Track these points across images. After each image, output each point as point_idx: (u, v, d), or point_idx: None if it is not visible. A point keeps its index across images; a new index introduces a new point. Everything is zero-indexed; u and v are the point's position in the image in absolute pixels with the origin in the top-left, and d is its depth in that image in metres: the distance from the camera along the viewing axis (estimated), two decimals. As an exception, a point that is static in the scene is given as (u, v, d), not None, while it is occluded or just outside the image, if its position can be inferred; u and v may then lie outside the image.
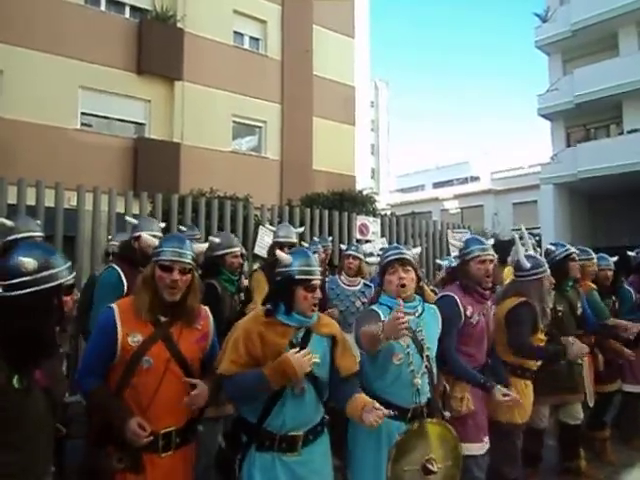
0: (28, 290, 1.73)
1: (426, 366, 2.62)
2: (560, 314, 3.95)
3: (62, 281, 1.83)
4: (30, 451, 1.73)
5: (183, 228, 4.52)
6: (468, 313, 3.07)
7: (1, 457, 1.66)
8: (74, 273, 1.93)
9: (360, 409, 2.20)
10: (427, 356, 2.63)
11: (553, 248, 4.22)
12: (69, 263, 1.90)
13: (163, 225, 4.11)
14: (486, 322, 3.21)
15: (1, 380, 1.64)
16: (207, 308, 2.50)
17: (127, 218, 4.38)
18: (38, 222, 4.12)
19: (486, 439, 3.13)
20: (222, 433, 3.72)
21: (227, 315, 3.70)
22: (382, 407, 2.19)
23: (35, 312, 1.73)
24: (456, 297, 3.09)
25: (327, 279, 4.67)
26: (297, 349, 2.24)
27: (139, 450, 2.13)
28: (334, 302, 4.53)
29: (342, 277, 4.74)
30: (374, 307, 2.73)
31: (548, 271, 3.57)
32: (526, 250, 3.78)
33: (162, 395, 2.19)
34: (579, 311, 4.17)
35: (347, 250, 4.93)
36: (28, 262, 1.75)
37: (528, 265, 3.51)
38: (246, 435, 2.35)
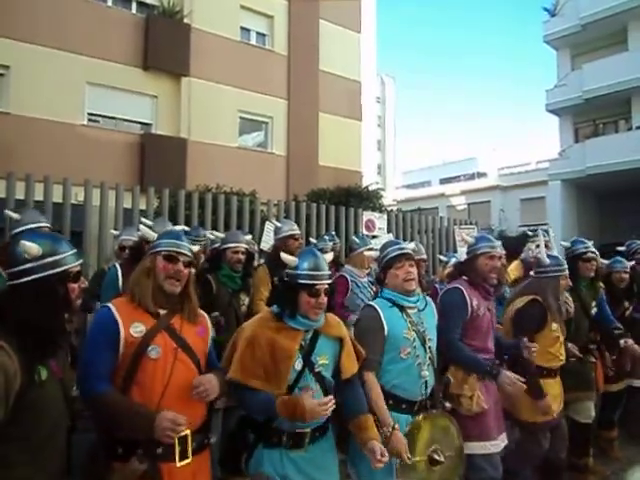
0: (32, 277, 1.66)
1: (429, 357, 2.70)
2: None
3: (67, 267, 1.75)
4: (50, 448, 1.68)
5: (186, 228, 4.48)
6: (474, 305, 3.09)
7: (20, 456, 1.61)
8: (81, 260, 1.84)
9: (364, 441, 2.33)
10: (429, 347, 2.72)
11: (568, 245, 4.27)
12: (75, 250, 1.82)
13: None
14: (490, 318, 3.23)
15: (22, 375, 1.57)
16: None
17: (141, 224, 4.46)
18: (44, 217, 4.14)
19: (502, 437, 3.10)
20: (225, 429, 3.74)
21: (222, 312, 3.71)
22: (386, 455, 2.27)
23: (42, 300, 1.65)
24: (462, 289, 3.13)
25: (344, 272, 4.67)
26: (311, 393, 2.26)
27: (155, 459, 1.96)
28: (356, 292, 4.53)
29: (355, 270, 4.73)
30: (373, 304, 2.77)
31: (567, 272, 3.59)
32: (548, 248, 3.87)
33: (173, 389, 2.01)
34: (593, 310, 4.17)
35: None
36: (31, 247, 1.67)
37: (548, 261, 3.55)
38: (254, 433, 2.34)
